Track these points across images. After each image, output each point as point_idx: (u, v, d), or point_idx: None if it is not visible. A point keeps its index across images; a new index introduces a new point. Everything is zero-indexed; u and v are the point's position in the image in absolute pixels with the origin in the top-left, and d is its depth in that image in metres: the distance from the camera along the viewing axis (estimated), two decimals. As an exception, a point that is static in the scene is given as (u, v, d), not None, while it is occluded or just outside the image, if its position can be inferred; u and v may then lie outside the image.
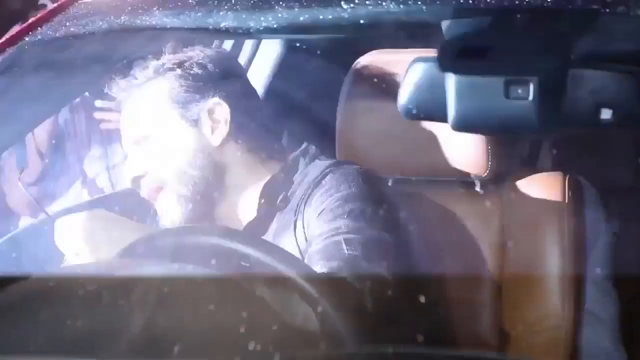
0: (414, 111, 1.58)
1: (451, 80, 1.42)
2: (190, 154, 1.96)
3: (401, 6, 1.49)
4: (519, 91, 1.38)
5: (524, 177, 2.31)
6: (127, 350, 1.25)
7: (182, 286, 1.41)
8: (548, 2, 1.39)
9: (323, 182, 1.86)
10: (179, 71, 1.97)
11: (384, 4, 1.47)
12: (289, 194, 1.95)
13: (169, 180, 1.96)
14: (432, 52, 1.57)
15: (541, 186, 2.22)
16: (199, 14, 1.63)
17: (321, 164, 1.97)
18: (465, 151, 2.17)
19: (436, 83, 1.47)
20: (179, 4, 1.61)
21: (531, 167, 2.67)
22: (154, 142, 1.97)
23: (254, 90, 2.11)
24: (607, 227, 2.66)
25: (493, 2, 1.43)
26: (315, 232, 1.79)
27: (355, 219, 1.75)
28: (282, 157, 2.04)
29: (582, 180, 2.59)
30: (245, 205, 2.00)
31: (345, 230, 1.72)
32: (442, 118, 1.47)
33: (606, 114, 1.44)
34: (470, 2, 1.45)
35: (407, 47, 2.06)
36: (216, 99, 1.98)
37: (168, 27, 1.65)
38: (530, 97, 1.38)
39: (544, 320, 2.09)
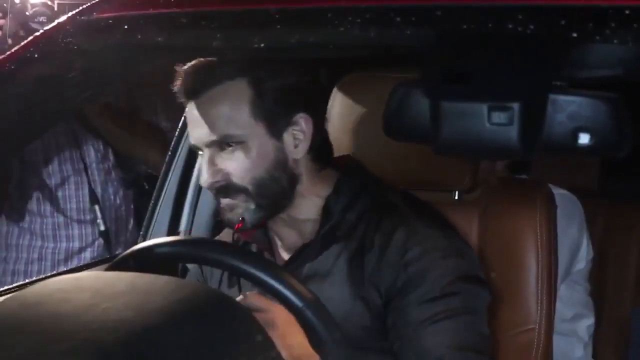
0: (397, 132, 1.45)
1: (434, 105, 1.29)
2: (271, 166, 1.74)
3: (385, 30, 1.36)
4: (502, 116, 1.25)
5: (501, 186, 2.20)
6: None
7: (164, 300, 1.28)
8: (530, 28, 1.26)
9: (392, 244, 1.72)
10: (263, 76, 1.73)
11: (369, 27, 1.35)
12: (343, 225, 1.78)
13: (250, 190, 1.74)
14: (414, 75, 1.44)
15: (516, 195, 2.11)
16: (192, 33, 1.50)
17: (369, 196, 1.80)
18: (446, 163, 2.06)
19: (419, 106, 1.33)
20: (171, 23, 1.48)
21: (508, 176, 2.55)
22: (236, 149, 1.73)
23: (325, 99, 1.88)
24: (588, 244, 2.56)
25: (475, 28, 1.30)
26: (405, 315, 1.68)
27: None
28: (334, 166, 1.84)
29: (567, 194, 2.50)
30: (306, 215, 1.82)
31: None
32: (424, 140, 1.34)
33: (584, 138, 1.31)
34: (453, 27, 1.32)
35: (392, 69, 1.95)
36: (302, 113, 1.76)
37: (161, 46, 1.51)
38: (512, 123, 1.26)
39: (518, 325, 1.98)
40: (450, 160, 2.03)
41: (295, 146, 1.76)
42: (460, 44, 1.31)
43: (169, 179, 2.43)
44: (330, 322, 1.53)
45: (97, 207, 2.99)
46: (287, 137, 1.75)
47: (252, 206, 1.75)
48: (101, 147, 3.04)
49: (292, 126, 1.76)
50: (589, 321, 2.61)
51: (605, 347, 2.68)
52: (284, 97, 1.74)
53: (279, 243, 1.87)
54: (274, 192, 1.75)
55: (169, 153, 2.45)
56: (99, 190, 3.03)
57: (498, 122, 1.26)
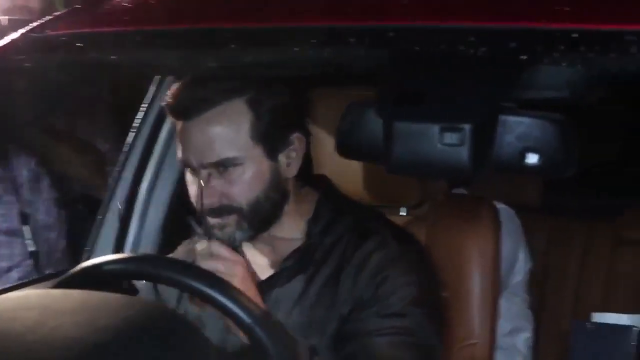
0: (349, 151, 1.46)
1: (387, 125, 1.31)
2: (267, 186, 1.74)
3: (338, 50, 1.37)
4: (453, 137, 1.27)
5: (447, 202, 2.23)
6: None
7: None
8: (481, 50, 1.28)
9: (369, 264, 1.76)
10: (260, 96, 1.72)
11: (323, 48, 1.36)
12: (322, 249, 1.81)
13: (244, 210, 1.74)
14: (370, 93, 1.46)
15: (462, 211, 2.13)
16: (146, 52, 1.49)
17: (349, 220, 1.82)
18: (395, 179, 2.08)
19: (371, 126, 1.35)
20: (125, 42, 1.47)
21: (455, 192, 2.58)
22: (233, 171, 1.72)
23: None
24: (525, 256, 2.60)
25: (427, 49, 1.32)
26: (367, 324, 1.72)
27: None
28: (312, 185, 1.86)
29: (504, 208, 2.53)
30: (285, 234, 1.82)
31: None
32: (377, 159, 1.35)
33: (532, 158, 1.34)
34: (405, 48, 1.34)
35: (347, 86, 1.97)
36: (297, 133, 1.77)
37: (114, 64, 1.50)
38: (464, 143, 1.28)
39: (462, 340, 2.00)
40: (398, 177, 2.05)
41: (288, 165, 1.77)
42: (412, 65, 1.33)
43: (115, 196, 2.40)
44: (281, 339, 1.53)
45: (26, 227, 2.95)
46: (282, 157, 1.76)
47: (245, 225, 1.75)
48: (33, 166, 2.99)
49: (288, 146, 1.76)
50: (527, 334, 2.65)
51: (546, 359, 2.72)
52: (281, 117, 1.74)
53: (250, 259, 1.86)
54: (267, 211, 1.76)
55: (117, 170, 2.43)
56: (29, 210, 2.98)
57: (449, 143, 1.28)
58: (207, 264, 1.63)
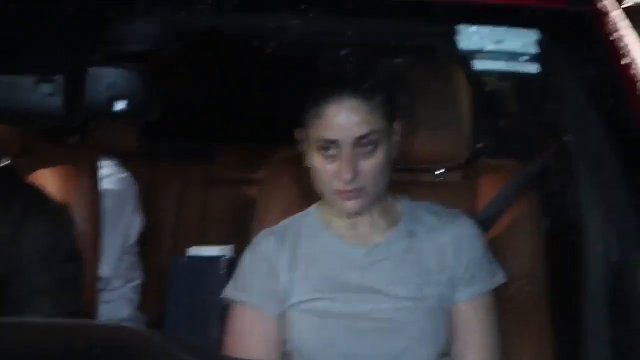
0: None
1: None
2: None
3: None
4: (48, 88, 1.42)
5: (50, 151, 2.33)
6: None
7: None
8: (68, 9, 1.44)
9: None
10: None
11: None
12: None
13: None
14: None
15: (62, 161, 2.25)
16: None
17: None
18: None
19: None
20: None
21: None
22: None
23: None
24: (140, 217, 2.77)
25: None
26: None
27: None
28: None
29: (122, 178, 2.68)
30: None
31: None
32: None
33: (121, 105, 1.53)
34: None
35: None
36: None
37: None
38: (58, 93, 1.43)
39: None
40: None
41: None
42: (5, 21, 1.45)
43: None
44: None
45: None
46: None
47: None
48: None
49: None
50: (136, 282, 2.81)
51: (149, 297, 2.88)
52: None
53: None
54: None
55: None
56: None
57: (45, 93, 1.43)
58: None
